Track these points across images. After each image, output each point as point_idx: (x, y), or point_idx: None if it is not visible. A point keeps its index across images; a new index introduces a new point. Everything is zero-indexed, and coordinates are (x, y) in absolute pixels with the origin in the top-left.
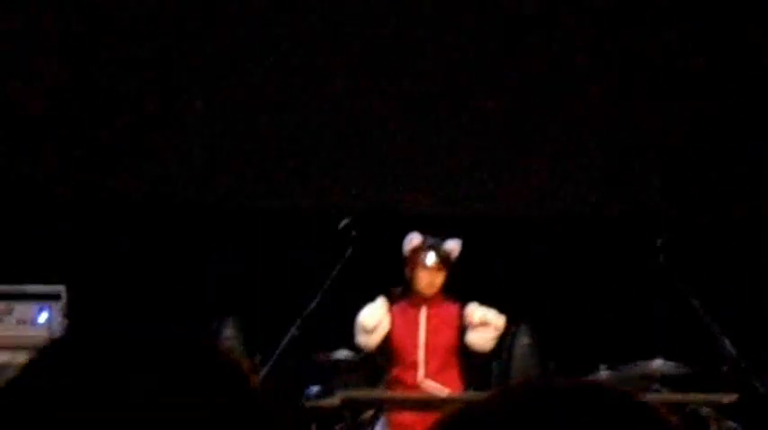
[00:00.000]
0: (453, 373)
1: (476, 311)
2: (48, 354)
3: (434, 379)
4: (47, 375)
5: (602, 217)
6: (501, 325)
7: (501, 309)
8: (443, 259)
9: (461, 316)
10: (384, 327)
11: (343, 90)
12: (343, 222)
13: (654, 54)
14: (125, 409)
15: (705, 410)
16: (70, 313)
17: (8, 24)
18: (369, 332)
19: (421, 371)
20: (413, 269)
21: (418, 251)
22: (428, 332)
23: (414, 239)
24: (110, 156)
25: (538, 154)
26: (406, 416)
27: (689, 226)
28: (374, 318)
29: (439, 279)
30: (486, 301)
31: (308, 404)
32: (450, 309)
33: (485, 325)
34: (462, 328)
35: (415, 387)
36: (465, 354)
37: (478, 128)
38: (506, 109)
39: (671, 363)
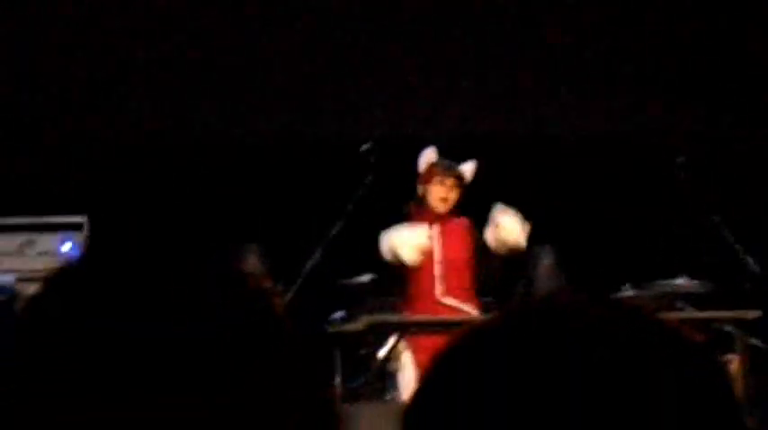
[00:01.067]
0: (470, 289)
1: (504, 233)
2: (46, 352)
3: (452, 295)
4: (45, 373)
5: (622, 136)
6: (523, 243)
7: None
8: (458, 176)
9: (472, 230)
10: (422, 252)
11: (363, 18)
12: (364, 147)
13: None
14: (127, 410)
15: (729, 327)
16: (92, 243)
17: None
18: (401, 260)
19: (439, 288)
20: (427, 183)
21: (434, 166)
22: (443, 248)
23: (429, 154)
24: (132, 89)
25: (557, 75)
26: (427, 338)
27: (709, 143)
28: (413, 257)
29: (453, 195)
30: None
31: (332, 329)
32: (461, 223)
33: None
34: (476, 243)
35: (435, 303)
36: (479, 265)
37: (498, 50)
38: (526, 30)
39: (694, 281)
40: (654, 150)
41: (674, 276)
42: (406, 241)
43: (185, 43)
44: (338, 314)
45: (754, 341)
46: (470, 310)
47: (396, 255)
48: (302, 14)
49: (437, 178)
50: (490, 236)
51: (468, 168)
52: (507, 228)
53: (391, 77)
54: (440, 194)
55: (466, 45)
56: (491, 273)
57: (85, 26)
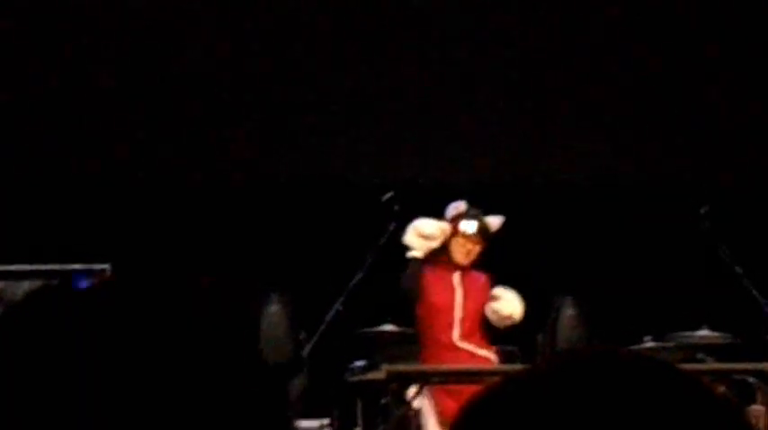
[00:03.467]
0: (483, 336)
1: (498, 305)
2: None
3: (469, 340)
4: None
5: (645, 186)
6: (517, 317)
7: (545, 281)
8: (482, 231)
9: (489, 287)
10: (437, 242)
11: (385, 62)
12: (387, 196)
13: (699, 22)
14: None
15: (751, 379)
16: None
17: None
18: (423, 237)
19: (456, 332)
20: (451, 236)
21: (459, 218)
22: (464, 296)
23: (458, 206)
24: (156, 137)
25: (581, 124)
26: (448, 386)
27: (732, 193)
28: (433, 227)
29: (475, 250)
30: (530, 274)
31: (354, 378)
32: (481, 277)
33: (502, 317)
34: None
35: (452, 347)
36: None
37: (522, 98)
38: (551, 78)
39: (716, 333)
40: (677, 200)
41: (696, 327)
42: (429, 220)
43: (209, 87)
44: (359, 363)
45: None
46: (488, 355)
47: (418, 229)
48: (329, 62)
49: (461, 231)
50: (488, 308)
51: (494, 223)
52: (505, 298)
53: (416, 126)
54: (464, 248)
55: (491, 93)
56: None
57: (110, 77)
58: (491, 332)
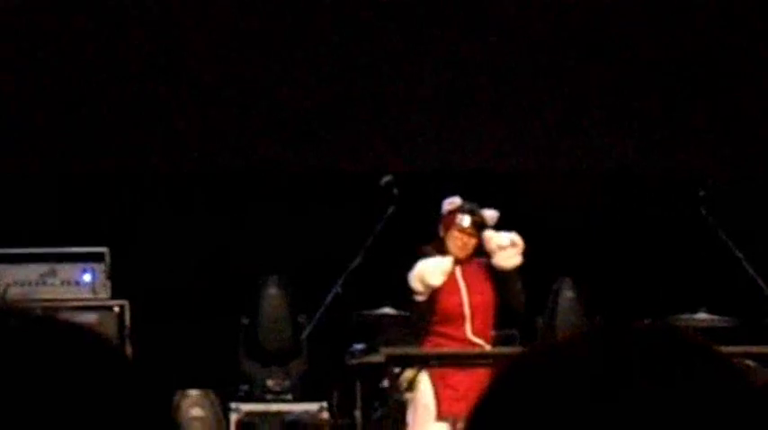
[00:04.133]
0: (492, 330)
1: (494, 238)
2: None
3: (480, 335)
4: None
5: (645, 169)
6: (519, 241)
7: (544, 264)
8: (478, 224)
9: (490, 268)
10: (446, 274)
11: (384, 49)
12: (385, 179)
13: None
14: None
15: (750, 362)
16: (113, 274)
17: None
18: (428, 286)
19: (468, 328)
20: (447, 230)
21: (455, 213)
22: (468, 289)
23: (453, 201)
24: (153, 121)
25: (579, 112)
26: (451, 372)
27: (731, 176)
28: (437, 276)
29: (471, 243)
30: (529, 256)
31: (353, 361)
32: (481, 265)
33: (504, 248)
34: (495, 282)
35: (465, 342)
36: (502, 294)
37: (522, 85)
38: (552, 68)
39: (715, 315)
40: (676, 184)
41: (695, 310)
42: (432, 266)
43: (208, 74)
44: (358, 346)
45: None
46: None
47: (423, 280)
48: (327, 48)
49: (457, 225)
50: (493, 258)
51: (489, 214)
52: (493, 235)
53: (415, 111)
54: (458, 243)
55: (491, 80)
56: (514, 295)
57: (109, 63)
58: (507, 308)
